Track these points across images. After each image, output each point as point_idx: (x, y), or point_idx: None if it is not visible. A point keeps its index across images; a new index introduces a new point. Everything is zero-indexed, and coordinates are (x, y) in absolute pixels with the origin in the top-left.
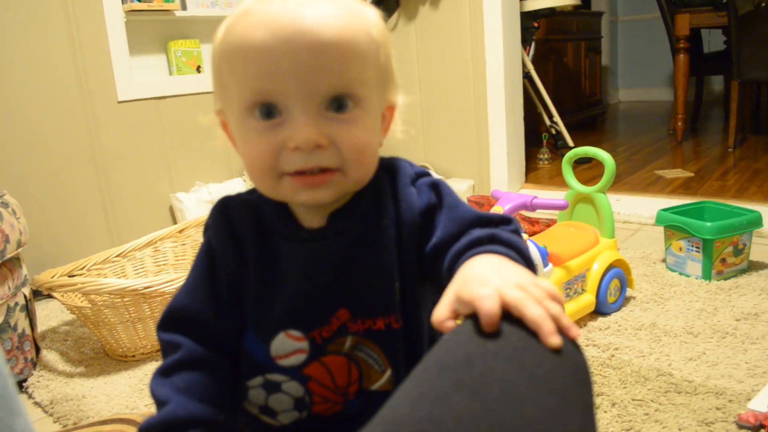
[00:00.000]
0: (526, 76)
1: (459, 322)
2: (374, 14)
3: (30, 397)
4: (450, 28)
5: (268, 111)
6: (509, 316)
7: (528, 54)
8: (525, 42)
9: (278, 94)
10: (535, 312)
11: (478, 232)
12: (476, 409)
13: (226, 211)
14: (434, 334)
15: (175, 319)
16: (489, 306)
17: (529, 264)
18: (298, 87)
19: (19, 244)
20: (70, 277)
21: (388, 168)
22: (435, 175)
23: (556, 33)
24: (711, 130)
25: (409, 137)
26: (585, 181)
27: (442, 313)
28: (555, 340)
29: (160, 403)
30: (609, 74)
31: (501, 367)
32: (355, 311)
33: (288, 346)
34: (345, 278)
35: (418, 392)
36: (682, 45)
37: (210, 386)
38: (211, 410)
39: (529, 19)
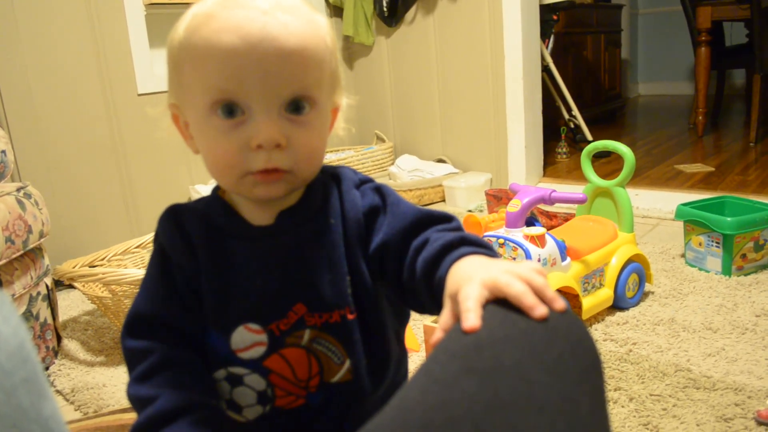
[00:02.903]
0: (545, 69)
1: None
2: (326, 22)
3: (51, 385)
4: (468, 21)
5: (230, 109)
6: None
7: (547, 47)
8: (544, 35)
9: (242, 95)
10: (515, 288)
11: (443, 236)
12: (486, 394)
13: (174, 216)
14: (397, 326)
15: (141, 325)
16: (471, 305)
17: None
18: (262, 89)
19: (42, 235)
20: (91, 267)
21: (334, 175)
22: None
23: (575, 26)
24: (732, 124)
25: (426, 129)
26: (604, 176)
27: (437, 337)
28: (539, 312)
29: (146, 401)
30: (629, 68)
31: (510, 352)
32: (311, 306)
33: (247, 338)
34: (298, 274)
35: (429, 379)
36: (703, 38)
37: (191, 381)
38: (201, 397)
39: (548, 11)
